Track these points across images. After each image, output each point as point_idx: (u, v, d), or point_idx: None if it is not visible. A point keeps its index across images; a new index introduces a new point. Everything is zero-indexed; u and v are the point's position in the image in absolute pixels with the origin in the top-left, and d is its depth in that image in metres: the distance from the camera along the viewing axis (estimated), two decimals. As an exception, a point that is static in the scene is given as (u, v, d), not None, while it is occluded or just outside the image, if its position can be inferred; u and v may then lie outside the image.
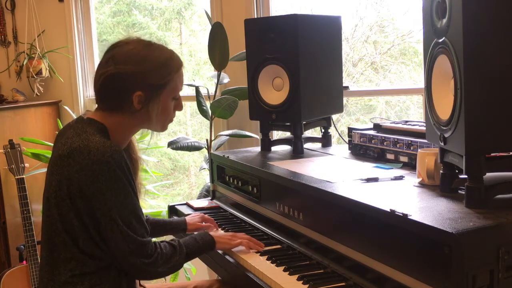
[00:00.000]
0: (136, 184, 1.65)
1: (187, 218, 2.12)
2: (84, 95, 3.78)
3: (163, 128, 1.74)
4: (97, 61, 3.83)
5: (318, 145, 2.53)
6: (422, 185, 1.66)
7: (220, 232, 2.07)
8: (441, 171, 1.56)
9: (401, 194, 1.59)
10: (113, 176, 1.52)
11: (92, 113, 1.67)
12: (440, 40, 1.42)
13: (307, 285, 1.56)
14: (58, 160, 1.58)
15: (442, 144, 1.45)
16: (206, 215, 2.17)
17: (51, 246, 1.61)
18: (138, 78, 1.60)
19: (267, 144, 2.44)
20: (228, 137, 3.07)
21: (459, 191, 1.53)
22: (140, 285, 1.91)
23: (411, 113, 3.91)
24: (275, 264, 1.73)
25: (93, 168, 1.51)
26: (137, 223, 1.59)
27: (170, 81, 1.65)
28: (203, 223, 2.10)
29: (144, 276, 1.72)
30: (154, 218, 2.06)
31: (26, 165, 3.09)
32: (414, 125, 2.00)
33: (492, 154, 1.40)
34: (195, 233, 1.86)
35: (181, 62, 1.70)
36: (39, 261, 1.72)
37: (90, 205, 1.54)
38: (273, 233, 1.97)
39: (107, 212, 1.54)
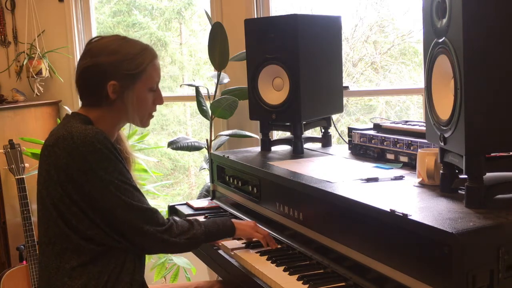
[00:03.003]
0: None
1: None
2: (84, 95, 3.77)
3: (142, 122, 1.75)
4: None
5: (318, 145, 2.53)
6: (422, 185, 1.65)
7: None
8: (441, 171, 1.56)
9: (401, 194, 1.59)
10: (100, 155, 1.56)
11: (78, 110, 1.72)
12: (440, 40, 1.42)
13: (307, 285, 1.56)
14: (45, 151, 1.62)
15: (442, 144, 1.45)
16: None
17: (47, 240, 1.62)
18: (111, 68, 1.64)
19: (267, 144, 2.44)
20: (228, 137, 3.07)
21: (459, 191, 1.52)
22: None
23: (411, 113, 3.91)
24: (275, 264, 1.72)
25: (79, 151, 1.55)
26: (137, 192, 1.62)
27: (143, 71, 1.68)
28: None
29: (160, 247, 1.69)
30: None
31: (26, 165, 3.10)
32: (414, 125, 2.00)
33: (492, 154, 1.40)
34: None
35: (155, 54, 1.73)
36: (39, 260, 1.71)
37: (83, 189, 1.55)
38: (273, 233, 1.97)
39: (105, 189, 1.56)
